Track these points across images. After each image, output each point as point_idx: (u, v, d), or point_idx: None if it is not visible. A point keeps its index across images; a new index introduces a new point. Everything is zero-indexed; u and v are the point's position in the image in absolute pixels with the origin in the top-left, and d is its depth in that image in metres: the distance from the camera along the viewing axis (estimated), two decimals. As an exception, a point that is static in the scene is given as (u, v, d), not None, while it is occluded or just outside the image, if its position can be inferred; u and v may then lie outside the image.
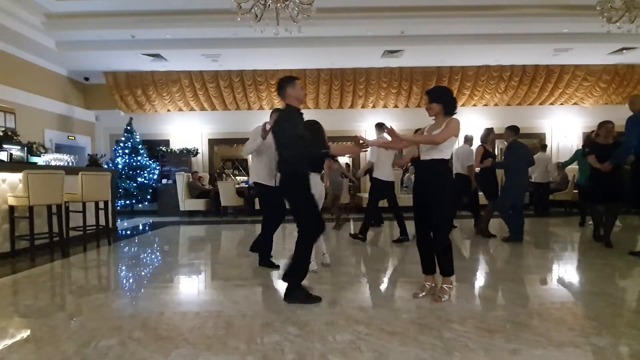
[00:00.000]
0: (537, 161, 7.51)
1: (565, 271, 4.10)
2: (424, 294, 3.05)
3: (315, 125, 3.69)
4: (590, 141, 5.90)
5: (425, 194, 2.99)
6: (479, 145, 5.83)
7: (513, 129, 5.45)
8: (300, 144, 2.93)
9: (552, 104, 11.25)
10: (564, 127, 11.29)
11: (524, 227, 5.43)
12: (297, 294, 2.96)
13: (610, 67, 10.19)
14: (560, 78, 10.35)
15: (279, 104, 10.87)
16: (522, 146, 5.49)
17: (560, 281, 3.71)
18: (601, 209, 5.17)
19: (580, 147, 7.69)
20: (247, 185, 9.56)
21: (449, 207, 3.11)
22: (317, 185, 3.79)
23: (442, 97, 3.03)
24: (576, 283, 3.63)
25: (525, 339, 2.24)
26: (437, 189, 2.94)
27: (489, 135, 6.01)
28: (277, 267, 4.05)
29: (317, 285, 3.47)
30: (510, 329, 2.40)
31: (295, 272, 3.00)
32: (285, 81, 3.08)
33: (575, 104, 11.24)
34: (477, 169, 5.92)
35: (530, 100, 11.06)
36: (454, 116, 2.99)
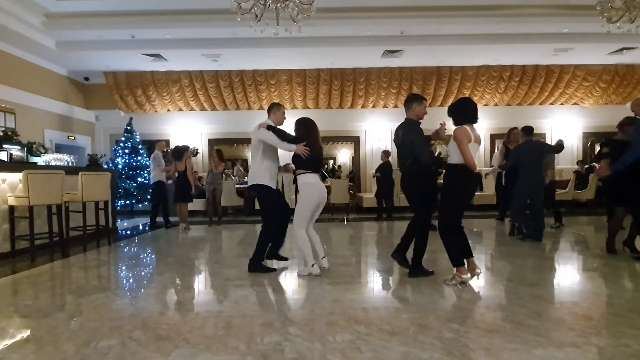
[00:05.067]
0: None
1: (565, 271, 4.09)
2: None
3: (309, 122, 3.85)
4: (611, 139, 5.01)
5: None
6: (502, 145, 6.17)
7: (524, 130, 5.53)
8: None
9: (552, 104, 11.25)
10: (564, 127, 11.30)
11: (543, 229, 5.39)
12: (419, 271, 3.57)
13: (610, 67, 10.19)
14: (560, 78, 10.35)
15: (279, 104, 10.88)
16: (531, 145, 5.44)
17: (560, 281, 3.71)
18: (622, 212, 4.54)
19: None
20: (247, 186, 9.55)
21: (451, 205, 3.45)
22: (318, 185, 3.76)
23: (450, 111, 3.47)
24: (576, 283, 3.63)
25: (525, 339, 2.23)
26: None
27: (509, 135, 6.21)
28: (273, 270, 3.97)
29: (318, 285, 3.47)
30: (510, 329, 2.39)
31: (418, 253, 3.56)
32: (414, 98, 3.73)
33: (575, 104, 11.24)
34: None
35: (530, 100, 11.06)
36: (466, 125, 3.33)
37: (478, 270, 3.39)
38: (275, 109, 3.98)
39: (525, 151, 5.33)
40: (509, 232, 5.81)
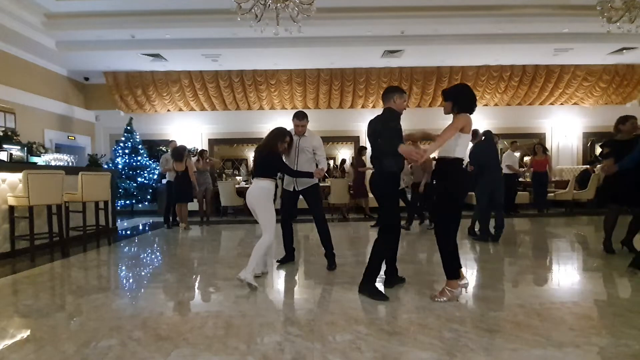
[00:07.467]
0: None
1: (565, 271, 4.09)
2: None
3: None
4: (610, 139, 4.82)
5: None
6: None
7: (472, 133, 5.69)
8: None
9: (552, 104, 11.25)
10: (564, 127, 11.30)
11: (503, 228, 5.45)
12: (369, 289, 3.09)
13: (610, 67, 10.19)
14: (560, 78, 10.35)
15: (278, 104, 10.88)
16: (483, 146, 5.64)
17: (560, 281, 3.71)
18: (616, 210, 4.55)
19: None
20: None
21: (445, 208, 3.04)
22: (270, 192, 3.66)
23: (452, 94, 3.01)
24: (576, 283, 3.63)
25: (525, 339, 2.24)
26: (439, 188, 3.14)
27: (474, 137, 6.31)
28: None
29: (318, 285, 3.47)
30: (510, 329, 2.40)
31: (371, 269, 3.15)
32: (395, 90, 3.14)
33: (575, 104, 11.24)
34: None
35: (530, 100, 11.06)
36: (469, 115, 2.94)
37: (465, 281, 3.13)
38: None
39: (479, 152, 5.58)
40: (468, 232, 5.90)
